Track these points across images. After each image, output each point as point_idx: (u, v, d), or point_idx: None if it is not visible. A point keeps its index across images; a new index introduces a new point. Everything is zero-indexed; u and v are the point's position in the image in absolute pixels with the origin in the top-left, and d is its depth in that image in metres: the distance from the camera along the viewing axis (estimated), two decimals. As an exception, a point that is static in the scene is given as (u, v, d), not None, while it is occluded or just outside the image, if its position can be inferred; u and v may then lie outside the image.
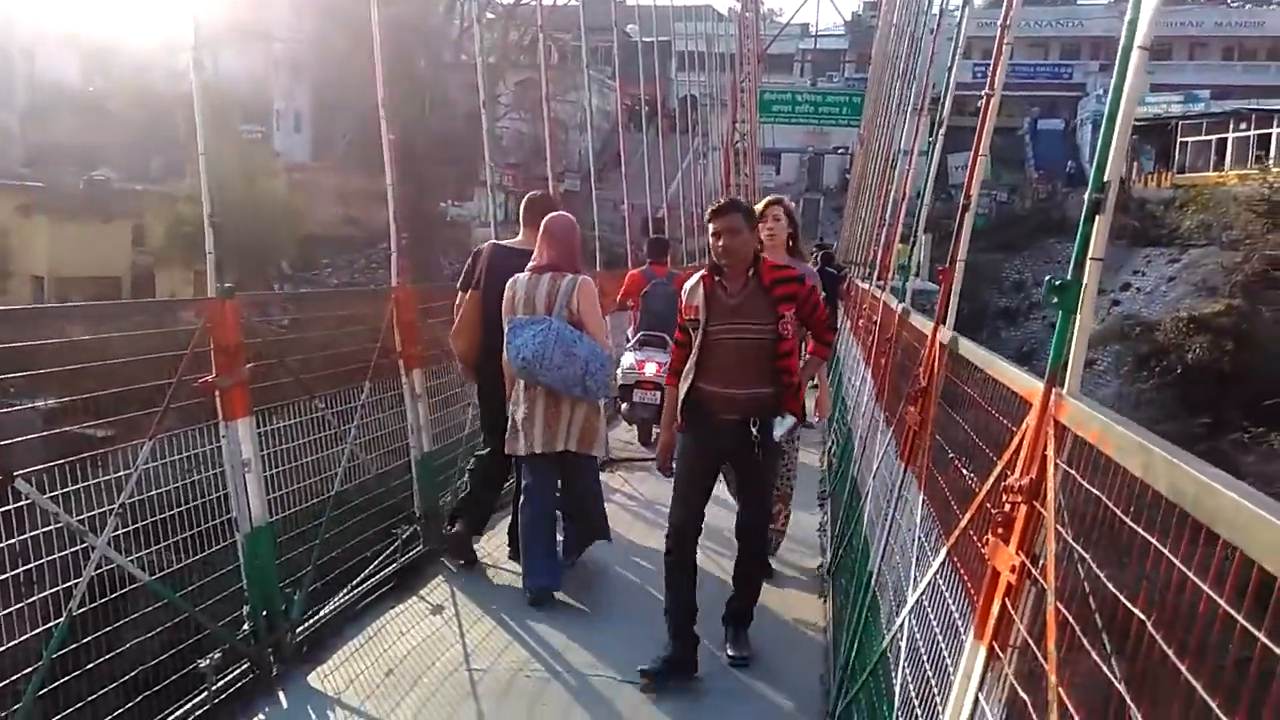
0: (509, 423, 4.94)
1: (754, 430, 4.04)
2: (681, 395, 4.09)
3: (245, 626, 4.00)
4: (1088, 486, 1.75)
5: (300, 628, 4.33)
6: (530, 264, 4.94)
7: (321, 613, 4.56)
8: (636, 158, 19.81)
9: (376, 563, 5.18)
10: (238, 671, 3.92)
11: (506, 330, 4.80)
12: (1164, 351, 25.29)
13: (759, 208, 5.05)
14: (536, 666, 4.21)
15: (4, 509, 3.17)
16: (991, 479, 2.29)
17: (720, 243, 3.99)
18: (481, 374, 5.40)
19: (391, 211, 6.09)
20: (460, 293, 5.47)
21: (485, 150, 9.25)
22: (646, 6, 24.14)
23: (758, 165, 35.76)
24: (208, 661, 3.73)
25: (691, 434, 4.17)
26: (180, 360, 3.91)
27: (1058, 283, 2.09)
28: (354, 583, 4.93)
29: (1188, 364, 24.46)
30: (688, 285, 4.15)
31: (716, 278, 4.06)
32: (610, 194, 21.61)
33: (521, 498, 5.05)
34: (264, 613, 4.06)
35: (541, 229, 4.99)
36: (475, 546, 5.61)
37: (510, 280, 4.91)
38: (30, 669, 3.12)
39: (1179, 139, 40.88)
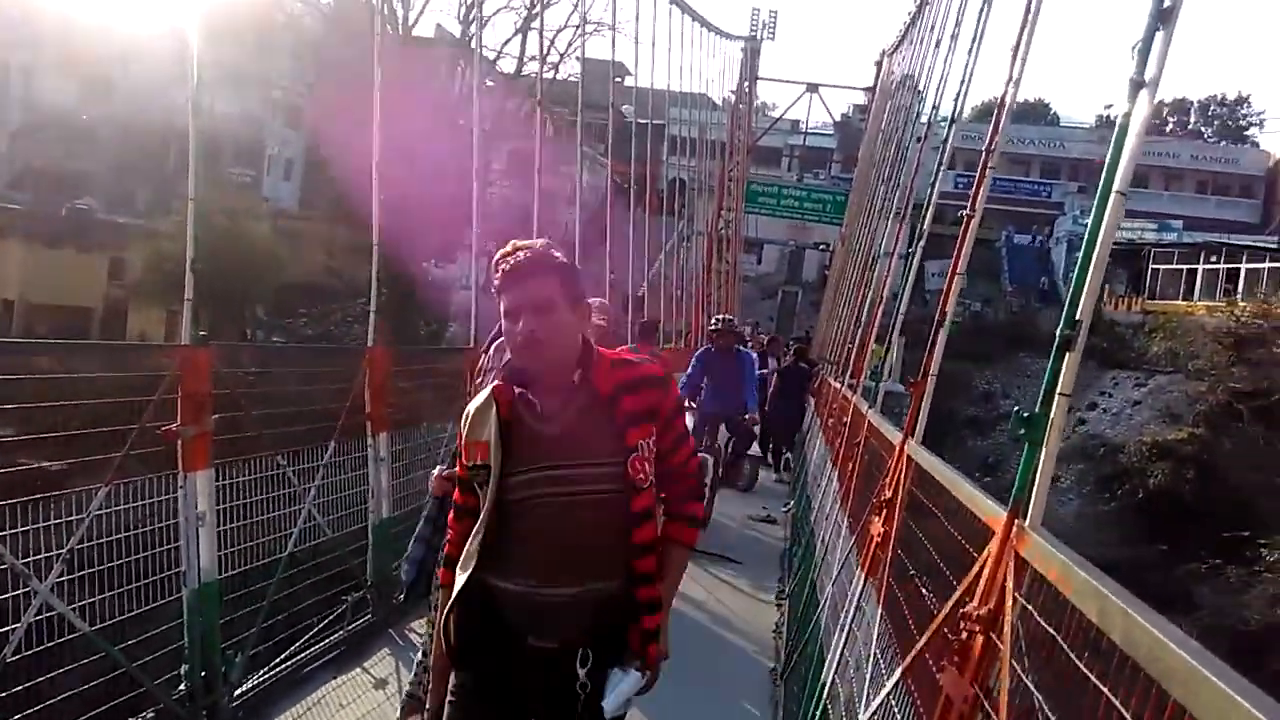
0: None
1: (581, 675, 2.22)
2: (455, 593, 2.28)
3: (182, 686, 3.89)
4: (1044, 625, 1.76)
5: (239, 691, 4.21)
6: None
7: (262, 678, 4.44)
8: (622, 235, 20.04)
9: (321, 628, 5.06)
10: (168, 733, 3.80)
11: None
12: (1127, 474, 25.54)
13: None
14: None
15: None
16: (950, 604, 2.29)
17: (519, 327, 2.22)
18: None
19: (374, 271, 6.12)
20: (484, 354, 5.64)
21: (474, 215, 9.34)
22: (644, 89, 24.69)
23: (740, 253, 36.26)
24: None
25: (470, 673, 2.32)
26: (145, 405, 3.87)
27: (1025, 415, 2.12)
28: (297, 648, 4.81)
29: (1149, 489, 24.69)
30: (470, 408, 2.35)
31: (518, 389, 2.29)
32: (593, 269, 21.78)
33: None
34: (203, 673, 3.95)
35: (597, 310, 5.48)
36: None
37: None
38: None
39: (1151, 265, 41.97)
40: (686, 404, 8.39)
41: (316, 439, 5.18)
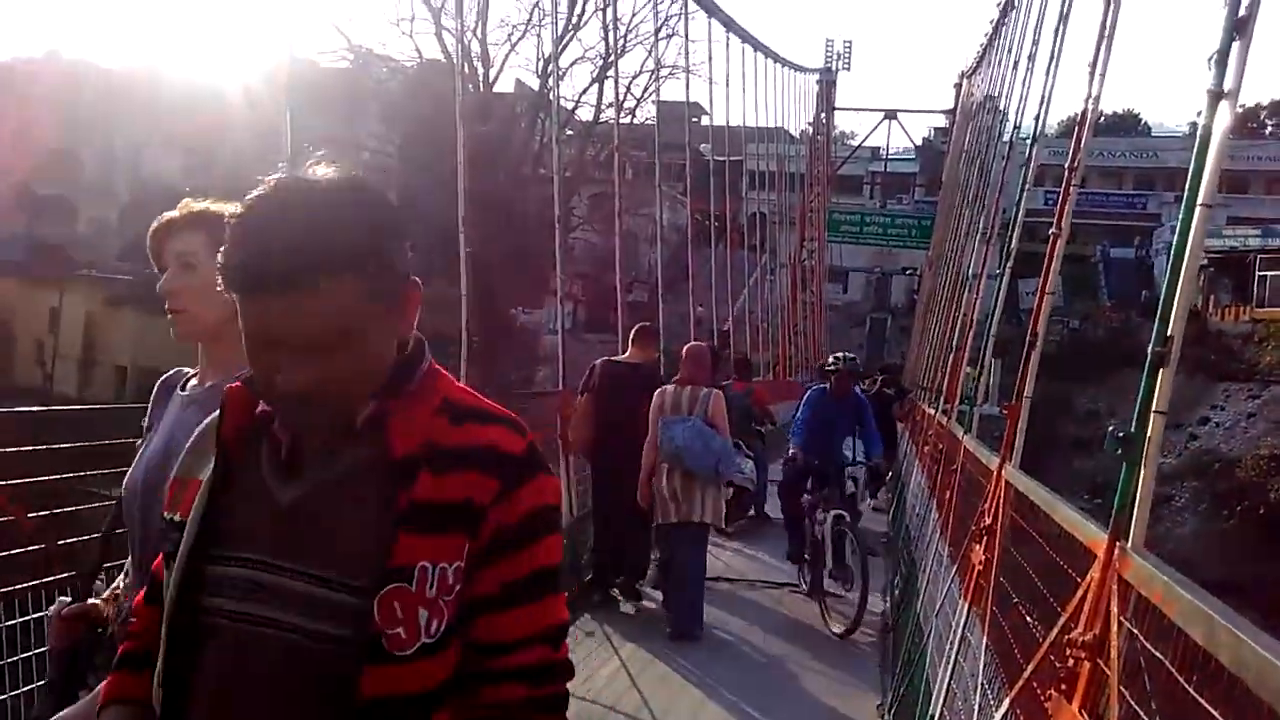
0: (657, 497, 6.15)
1: None
2: None
3: None
4: (1150, 649, 1.71)
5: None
6: (675, 379, 6.42)
7: None
8: (705, 272, 20.12)
9: None
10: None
11: (660, 426, 6.07)
12: (1245, 490, 24.36)
13: None
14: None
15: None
16: (1055, 631, 2.25)
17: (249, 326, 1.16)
18: (596, 454, 6.83)
19: (464, 320, 6.30)
20: (578, 396, 6.97)
21: (558, 262, 9.53)
22: (720, 127, 24.87)
23: (824, 283, 36.00)
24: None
25: None
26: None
27: (1121, 434, 2.08)
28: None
29: (1271, 503, 23.50)
30: (204, 423, 1.33)
31: (264, 410, 1.25)
32: (677, 307, 21.91)
33: (663, 557, 6.45)
34: None
35: (685, 353, 6.58)
36: None
37: (660, 390, 6.32)
38: None
39: (1257, 272, 40.18)
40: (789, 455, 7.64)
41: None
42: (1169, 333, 2.05)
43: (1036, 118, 7.04)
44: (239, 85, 33.99)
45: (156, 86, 36.71)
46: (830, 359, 7.97)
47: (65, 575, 3.13)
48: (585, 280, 35.84)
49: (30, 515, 3.00)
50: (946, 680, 3.48)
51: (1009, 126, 11.36)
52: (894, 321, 45.40)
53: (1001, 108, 14.16)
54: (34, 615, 3.03)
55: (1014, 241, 6.40)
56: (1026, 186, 6.52)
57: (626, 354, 7.15)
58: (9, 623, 2.95)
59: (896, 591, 7.69)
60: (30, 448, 3.10)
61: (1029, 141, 8.18)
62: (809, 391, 8.07)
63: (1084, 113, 4.31)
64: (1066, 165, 4.23)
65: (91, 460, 3.46)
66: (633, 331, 7.20)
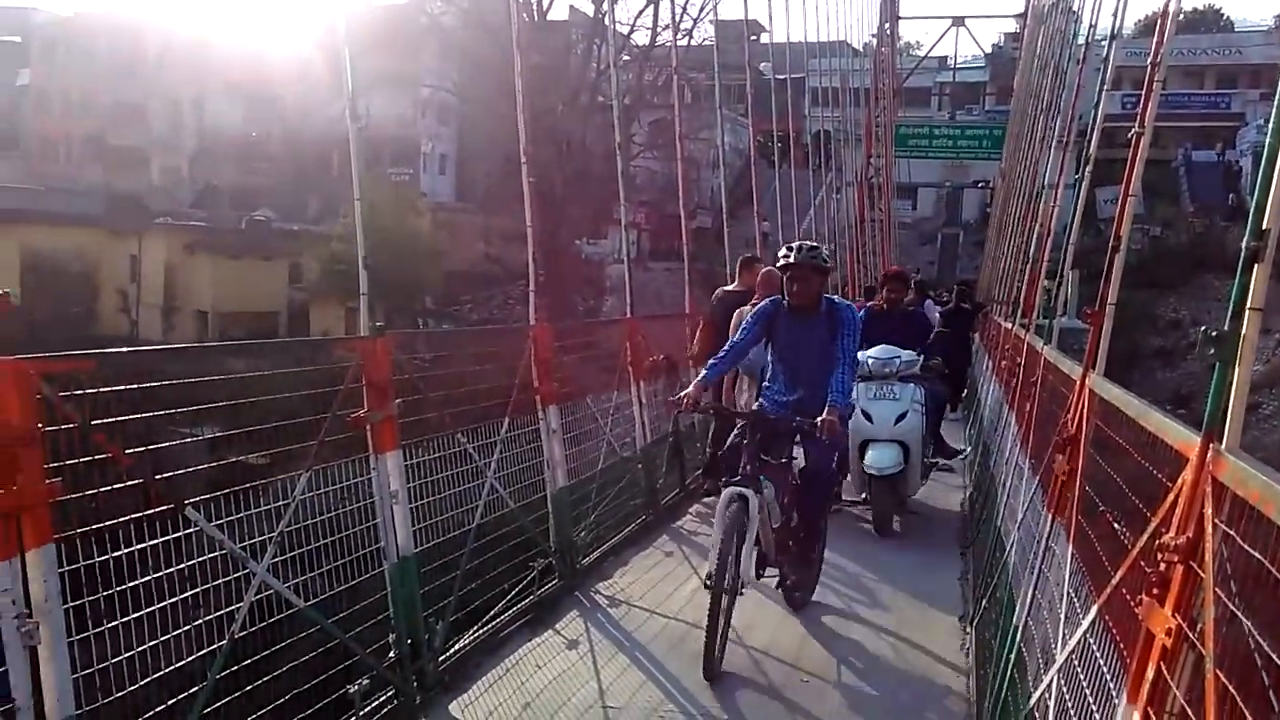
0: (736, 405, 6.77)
1: None
2: None
3: (391, 654, 4.15)
4: (1248, 549, 1.67)
5: (442, 657, 4.47)
6: (752, 300, 6.63)
7: (461, 643, 4.70)
8: (769, 193, 19.80)
9: (513, 595, 5.30)
10: (384, 698, 4.07)
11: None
12: (1338, 395, 23.52)
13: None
14: (670, 708, 4.22)
15: (174, 535, 3.39)
16: (1145, 536, 2.20)
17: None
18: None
19: (531, 253, 6.30)
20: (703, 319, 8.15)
21: (620, 190, 9.44)
22: (780, 44, 24.18)
23: (893, 200, 35.21)
24: (356, 687, 3.88)
25: None
26: (333, 395, 4.13)
27: (1214, 333, 2.00)
28: (492, 614, 5.05)
29: (1366, 409, 22.66)
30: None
31: None
32: (742, 230, 21.65)
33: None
34: (409, 641, 4.21)
35: (761, 277, 7.04)
36: (613, 581, 5.77)
37: (738, 310, 6.84)
38: (196, 688, 3.33)
39: (1355, 166, 38.14)
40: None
41: (492, 416, 5.39)
42: (1264, 225, 1.95)
43: (1114, 13, 6.69)
44: (297, 30, 34.13)
45: (216, 35, 36.96)
46: (782, 250, 5.15)
47: (162, 508, 3.25)
48: (648, 208, 35.61)
49: (127, 452, 3.11)
50: (1031, 591, 3.45)
51: (1083, 28, 10.83)
52: (966, 237, 44.31)
53: (1075, 8, 13.51)
54: (136, 547, 3.16)
55: (1092, 147, 6.13)
56: (1105, 89, 6.23)
57: (735, 283, 8.10)
58: (114, 554, 3.08)
59: (976, 505, 7.63)
60: (122, 387, 3.19)
61: (1105, 42, 7.80)
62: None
63: (1166, 4, 4.08)
64: (1149, 61, 4.03)
65: (174, 399, 3.62)
66: (738, 262, 8.41)
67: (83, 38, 39.00)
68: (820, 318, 4.94)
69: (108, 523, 3.04)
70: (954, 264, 40.72)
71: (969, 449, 9.80)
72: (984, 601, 5.14)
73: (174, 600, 3.37)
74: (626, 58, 31.52)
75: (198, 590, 3.51)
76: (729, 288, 8.14)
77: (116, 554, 3.07)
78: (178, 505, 3.29)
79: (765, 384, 5.24)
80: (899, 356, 7.27)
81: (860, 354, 6.57)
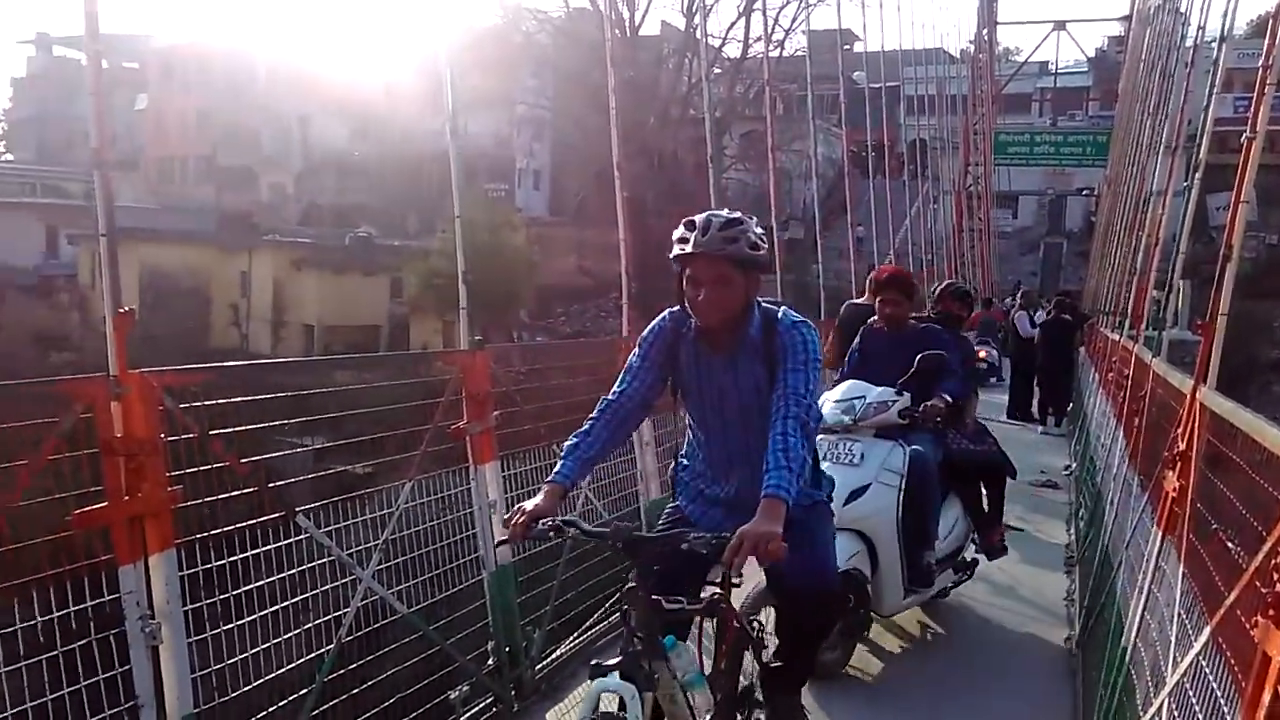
0: None
1: None
2: None
3: (490, 661, 4.24)
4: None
5: (539, 665, 4.54)
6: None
7: (558, 651, 4.76)
8: (863, 204, 19.58)
9: (607, 606, 5.34)
10: (482, 704, 4.15)
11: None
12: None
13: None
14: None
15: (285, 541, 3.53)
16: (1261, 555, 2.12)
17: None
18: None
19: (624, 265, 6.38)
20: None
21: (712, 202, 9.46)
22: (874, 53, 23.93)
23: (993, 208, 34.39)
24: (457, 693, 3.98)
25: None
26: (433, 408, 4.25)
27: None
28: (587, 625, 5.11)
29: None
30: None
31: None
32: (835, 240, 21.42)
33: None
34: (507, 649, 4.29)
35: (870, 278, 6.17)
36: None
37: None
38: (305, 690, 3.45)
39: None
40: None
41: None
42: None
43: (1224, 14, 6.45)
44: (397, 52, 35.16)
45: (321, 58, 38.27)
46: (678, 230, 2.91)
47: (276, 516, 3.39)
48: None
49: (242, 461, 3.25)
50: (1140, 611, 3.34)
51: (1191, 29, 10.44)
52: (1070, 246, 42.95)
53: (1182, 9, 13.03)
54: (250, 553, 3.30)
55: (1202, 152, 5.90)
56: (1215, 92, 6.01)
57: (864, 297, 7.58)
58: (231, 559, 3.23)
59: (1081, 523, 7.40)
60: (237, 399, 3.34)
61: (1214, 44, 7.52)
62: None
63: (1278, 6, 3.92)
64: (1261, 64, 3.87)
65: (284, 411, 3.78)
66: (868, 279, 7.77)
67: (196, 62, 40.86)
68: (747, 345, 2.78)
69: (225, 528, 3.19)
70: (1057, 274, 39.51)
71: (1074, 464, 9.51)
72: (1091, 623, 4.99)
73: (285, 605, 3.51)
74: (718, 70, 31.59)
75: (306, 595, 3.65)
76: (857, 301, 7.81)
77: (232, 559, 3.22)
78: (289, 512, 3.43)
79: (681, 463, 3.12)
80: (863, 396, 4.73)
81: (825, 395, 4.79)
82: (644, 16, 33.62)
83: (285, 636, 3.48)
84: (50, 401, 2.95)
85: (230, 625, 3.24)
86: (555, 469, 2.74)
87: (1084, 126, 44.29)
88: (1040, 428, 13.45)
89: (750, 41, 32.46)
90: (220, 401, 3.24)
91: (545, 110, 36.72)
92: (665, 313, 2.90)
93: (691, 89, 32.58)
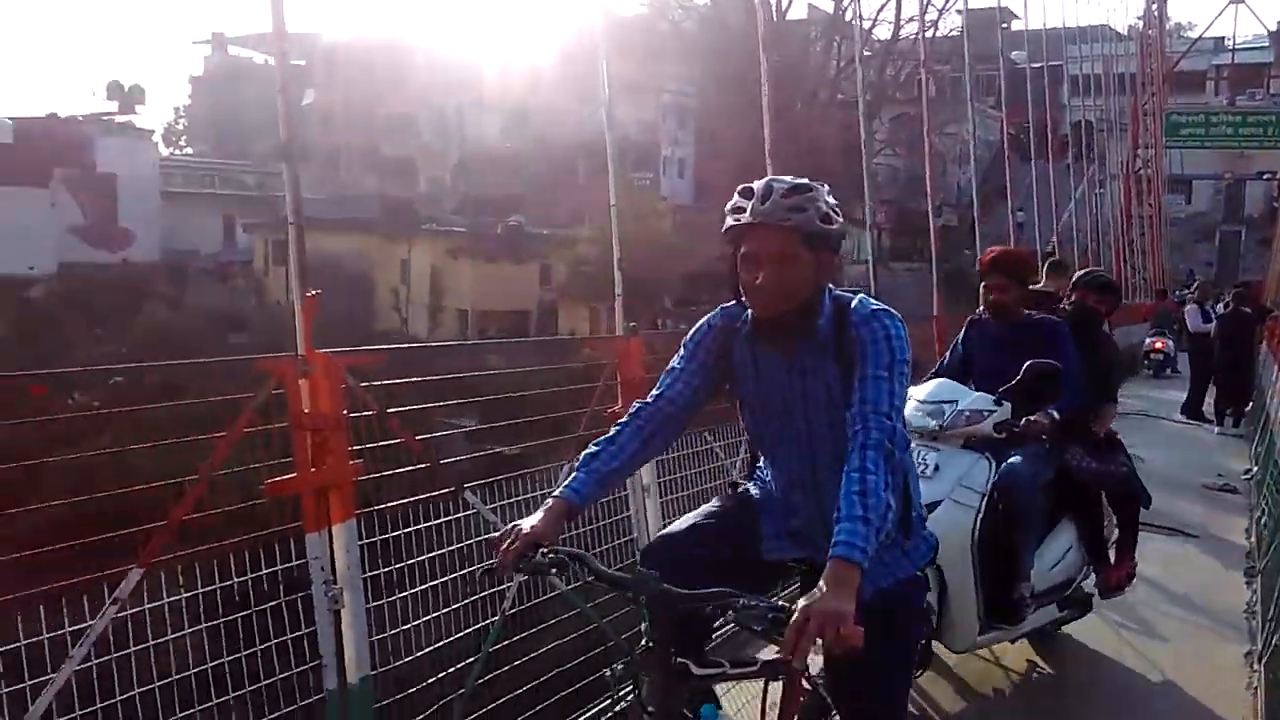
0: None
1: None
2: None
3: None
4: None
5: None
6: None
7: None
8: (1024, 188, 18.79)
9: (615, 670, 5.32)
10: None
11: None
12: None
13: None
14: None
15: (453, 516, 3.68)
16: None
17: None
18: None
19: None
20: None
21: (865, 189, 9.28)
22: (1035, 31, 22.86)
23: (1164, 194, 32.46)
24: (611, 672, 4.05)
25: None
26: (589, 392, 4.34)
27: None
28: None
29: None
30: None
31: None
32: (992, 227, 20.61)
33: None
34: (658, 630, 4.34)
35: (1048, 268, 6.56)
36: None
37: None
38: (471, 659, 3.60)
39: None
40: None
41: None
42: None
43: None
44: (547, 43, 35.88)
45: (476, 50, 39.41)
46: (734, 199, 2.31)
47: (447, 490, 3.54)
48: (888, 206, 34.71)
49: (417, 438, 3.41)
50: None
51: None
52: (1249, 234, 40.14)
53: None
54: (423, 525, 3.46)
55: None
56: None
57: (1043, 283, 7.07)
58: (406, 530, 3.39)
59: (1264, 529, 6.93)
60: (411, 379, 3.51)
61: None
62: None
63: None
64: None
65: (441, 393, 3.96)
66: (1045, 265, 7.42)
67: (360, 58, 42.71)
68: (816, 341, 2.25)
69: (400, 501, 3.35)
70: (1236, 263, 37.05)
71: (1255, 468, 8.90)
72: (1274, 637, 4.66)
73: (452, 576, 3.66)
74: (867, 53, 30.86)
75: (472, 569, 3.79)
76: (1036, 287, 7.44)
77: (406, 530, 3.38)
78: (458, 488, 3.57)
79: (756, 479, 2.55)
80: (954, 401, 4.08)
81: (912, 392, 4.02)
82: (791, 1, 33.20)
83: (453, 607, 3.64)
84: (242, 378, 3.17)
85: (404, 593, 3.40)
86: (566, 481, 2.24)
87: (1265, 105, 41.25)
88: (1217, 428, 12.66)
89: (901, 22, 31.61)
90: (397, 381, 3.41)
91: (690, 98, 36.75)
92: (718, 309, 2.40)
93: (839, 73, 31.99)
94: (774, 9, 30.64)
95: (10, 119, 32.59)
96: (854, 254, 31.56)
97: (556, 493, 2.22)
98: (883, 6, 31.82)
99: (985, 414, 3.98)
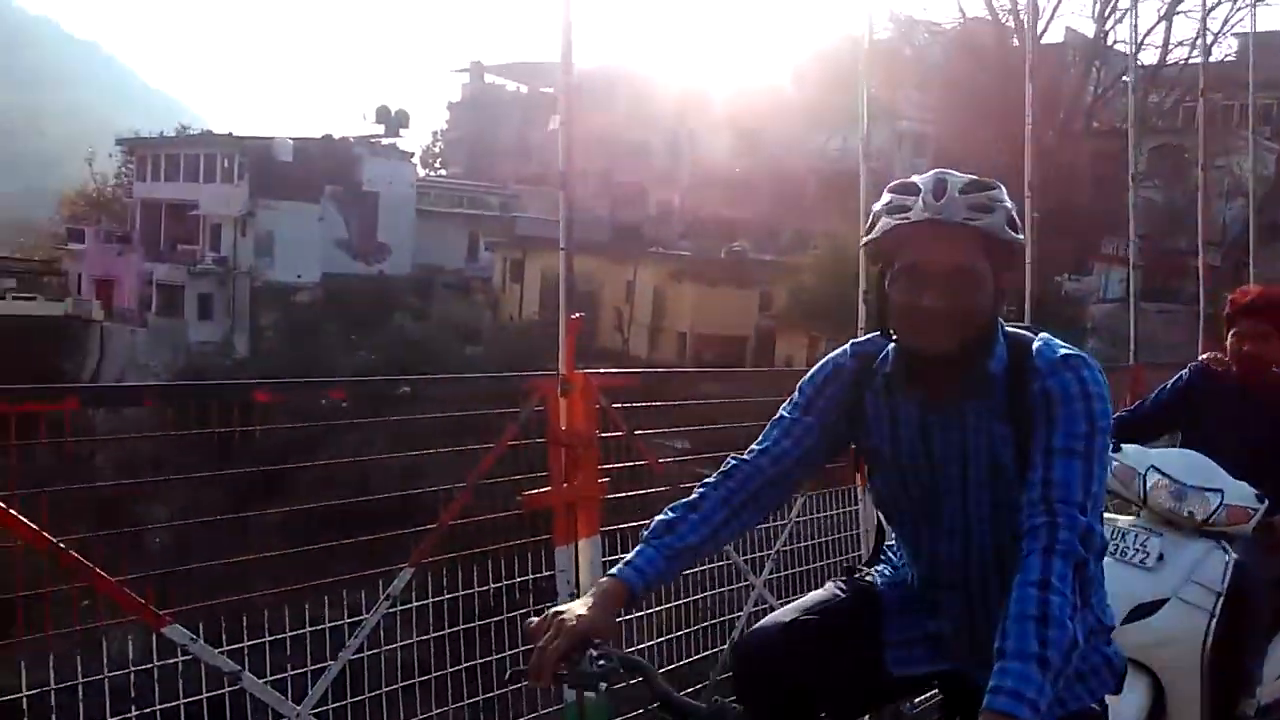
0: None
1: None
2: None
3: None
4: None
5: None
6: None
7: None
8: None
9: None
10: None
11: None
12: None
13: None
14: None
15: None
16: None
17: None
18: None
19: (1028, 289, 6.02)
20: None
21: (1130, 222, 8.63)
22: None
23: None
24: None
25: None
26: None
27: None
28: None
29: None
30: None
31: None
32: (1265, 270, 18.71)
33: None
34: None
35: None
36: None
37: None
38: (697, 686, 3.61)
39: None
40: None
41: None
42: None
43: None
44: (777, 67, 35.96)
45: (710, 74, 40.09)
46: (884, 196, 1.85)
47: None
48: (1145, 242, 32.29)
49: (660, 461, 3.46)
50: None
51: None
52: None
53: None
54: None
55: None
56: None
57: None
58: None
59: None
60: (656, 403, 3.57)
61: None
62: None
63: None
64: None
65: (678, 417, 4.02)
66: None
67: (602, 85, 44.40)
68: (983, 391, 1.73)
69: (642, 521, 3.41)
70: None
71: None
72: None
73: (682, 601, 3.69)
74: (1125, 79, 28.95)
75: (702, 596, 3.81)
76: None
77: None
78: (696, 513, 3.59)
79: (883, 566, 2.06)
80: (1219, 490, 3.18)
81: (1132, 454, 3.27)
82: (1048, 23, 31.60)
83: (683, 632, 3.67)
84: (483, 394, 3.33)
85: (637, 614, 3.46)
86: (627, 557, 1.74)
87: None
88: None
89: (1169, 47, 29.46)
90: (648, 405, 3.48)
91: (928, 124, 35.73)
92: (846, 345, 1.91)
93: (1096, 100, 30.17)
94: (1029, 32, 29.39)
95: (291, 139, 36.05)
96: (1101, 292, 29.60)
97: (614, 570, 1.70)
98: (1149, 30, 29.77)
99: (1252, 512, 3.16)
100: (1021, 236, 1.71)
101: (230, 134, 37.45)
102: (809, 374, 1.90)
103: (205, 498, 7.86)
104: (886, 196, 1.74)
